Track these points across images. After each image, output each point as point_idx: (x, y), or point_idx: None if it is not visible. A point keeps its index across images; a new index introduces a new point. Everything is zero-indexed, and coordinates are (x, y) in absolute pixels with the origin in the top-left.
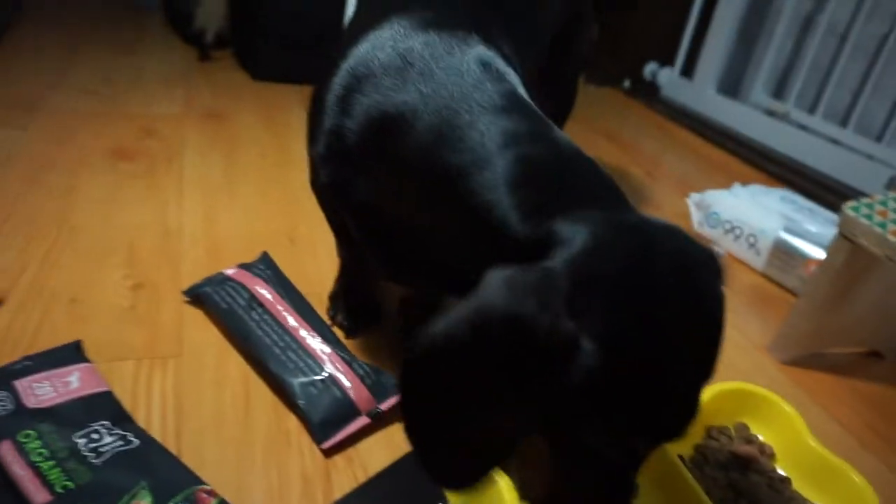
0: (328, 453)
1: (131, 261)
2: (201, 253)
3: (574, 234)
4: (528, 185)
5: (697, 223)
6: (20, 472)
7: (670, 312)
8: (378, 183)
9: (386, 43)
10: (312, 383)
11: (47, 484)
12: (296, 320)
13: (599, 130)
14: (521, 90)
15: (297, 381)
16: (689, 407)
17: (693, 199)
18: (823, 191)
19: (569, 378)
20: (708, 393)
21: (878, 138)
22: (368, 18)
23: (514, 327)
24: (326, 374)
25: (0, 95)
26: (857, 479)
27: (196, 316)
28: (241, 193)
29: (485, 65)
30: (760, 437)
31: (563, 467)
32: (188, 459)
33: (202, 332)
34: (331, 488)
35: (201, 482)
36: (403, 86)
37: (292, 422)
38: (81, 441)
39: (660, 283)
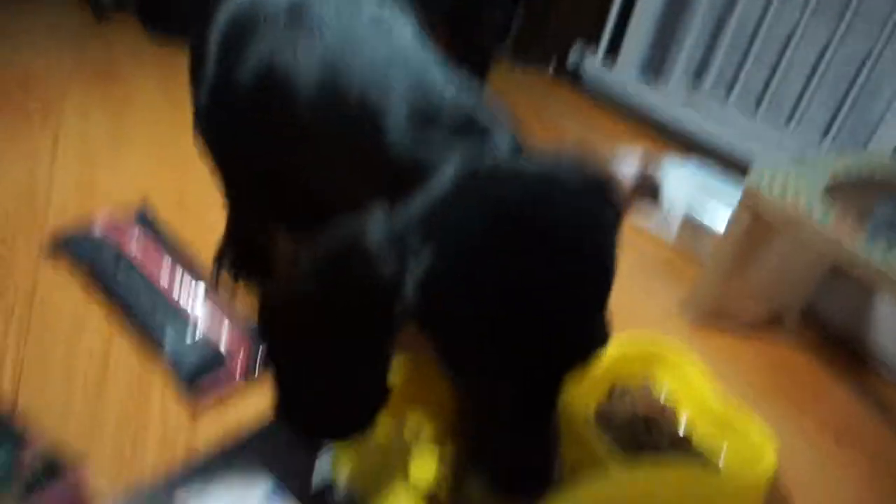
0: (196, 406)
1: None
2: (71, 213)
3: (438, 175)
4: (416, 118)
5: None
6: None
7: (516, 250)
8: (266, 133)
9: None
10: (183, 337)
11: None
12: (170, 277)
13: (523, 111)
14: (416, 39)
15: (168, 333)
16: (561, 339)
17: None
18: (734, 169)
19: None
20: (612, 352)
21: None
22: None
23: (354, 263)
24: (200, 332)
25: None
26: (757, 430)
27: (57, 272)
28: (127, 154)
29: (377, 20)
30: (664, 396)
31: (484, 420)
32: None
33: (62, 290)
34: (196, 439)
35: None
36: (294, 39)
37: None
38: None
39: (508, 223)
